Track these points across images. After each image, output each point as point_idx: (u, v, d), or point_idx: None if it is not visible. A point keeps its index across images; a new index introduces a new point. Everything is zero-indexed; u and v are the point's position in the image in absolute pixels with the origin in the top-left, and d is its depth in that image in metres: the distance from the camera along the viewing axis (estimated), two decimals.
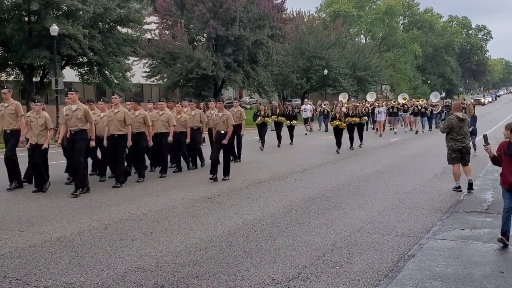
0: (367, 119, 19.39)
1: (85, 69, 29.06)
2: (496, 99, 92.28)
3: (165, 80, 37.05)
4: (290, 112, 21.23)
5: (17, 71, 28.13)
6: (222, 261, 5.68)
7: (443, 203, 8.92)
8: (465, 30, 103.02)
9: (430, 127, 29.42)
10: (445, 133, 10.13)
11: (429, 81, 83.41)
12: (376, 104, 29.08)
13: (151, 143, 11.55)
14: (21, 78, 28.70)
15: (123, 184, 10.65)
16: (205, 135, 15.87)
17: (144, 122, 11.40)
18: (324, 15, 72.77)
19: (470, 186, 9.91)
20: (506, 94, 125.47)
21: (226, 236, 6.73)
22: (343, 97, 33.71)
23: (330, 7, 74.09)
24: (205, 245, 6.32)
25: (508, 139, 6.13)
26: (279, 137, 19.76)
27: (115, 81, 29.03)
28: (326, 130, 27.67)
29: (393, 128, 28.22)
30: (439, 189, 10.33)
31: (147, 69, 36.78)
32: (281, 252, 6.00)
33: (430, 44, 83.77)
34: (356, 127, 19.02)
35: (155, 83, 40.17)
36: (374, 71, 55.99)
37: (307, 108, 29.04)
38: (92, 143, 10.12)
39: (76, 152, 9.58)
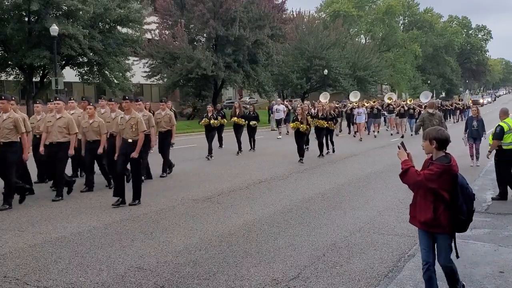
0: (333, 125, 16.78)
1: (85, 69, 29.07)
2: (495, 100, 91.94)
3: (165, 80, 37.05)
4: (251, 113, 18.57)
5: (17, 71, 28.15)
6: (222, 261, 5.68)
7: None
8: (465, 30, 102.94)
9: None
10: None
11: (429, 81, 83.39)
12: (355, 104, 26.33)
13: (26, 156, 8.90)
14: (21, 78, 28.72)
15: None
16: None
17: (15, 128, 8.56)
18: (324, 15, 72.72)
19: None
20: (505, 94, 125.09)
21: (226, 236, 6.73)
22: (324, 97, 30.38)
23: (330, 7, 74.05)
24: (205, 245, 6.32)
25: (429, 154, 4.28)
26: (239, 142, 17.23)
27: (115, 81, 29.04)
28: None
29: (374, 131, 25.05)
30: None
31: (147, 69, 36.79)
32: (281, 252, 6.00)
33: (430, 44, 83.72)
34: (326, 131, 16.43)
35: (155, 83, 40.18)
36: (374, 71, 56.01)
37: (280, 109, 26.05)
38: None
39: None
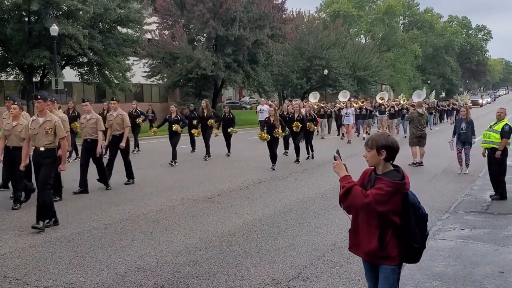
0: (313, 127, 15.22)
1: (85, 69, 29.06)
2: (494, 100, 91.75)
3: (165, 80, 37.08)
4: (227, 114, 16.17)
5: (17, 71, 28.14)
6: (222, 261, 5.68)
7: (443, 203, 8.92)
8: (465, 30, 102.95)
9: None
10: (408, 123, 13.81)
11: (429, 81, 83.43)
12: (342, 104, 24.76)
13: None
14: (21, 78, 28.71)
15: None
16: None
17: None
18: (324, 15, 72.75)
19: (419, 164, 13.62)
20: (505, 94, 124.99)
21: (226, 236, 6.73)
22: (313, 97, 28.54)
23: (330, 7, 74.07)
24: (205, 245, 6.32)
25: (372, 167, 3.46)
26: (206, 145, 15.45)
27: (115, 81, 29.04)
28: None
29: (363, 133, 23.36)
30: (439, 189, 10.34)
31: (147, 69, 36.80)
32: (281, 252, 6.00)
33: (430, 44, 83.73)
34: (304, 134, 15.03)
35: (155, 83, 40.18)
36: (374, 71, 56.01)
37: (264, 109, 23.55)
38: None
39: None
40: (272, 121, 13.17)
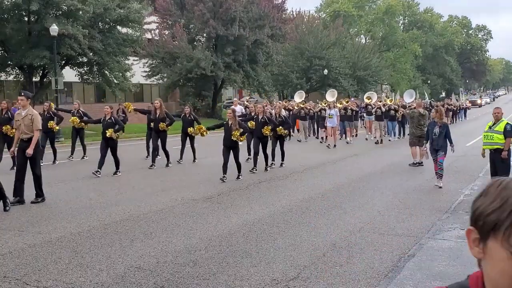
0: (284, 131, 13.42)
1: (85, 69, 29.06)
2: (494, 100, 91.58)
3: (165, 80, 37.11)
4: (187, 115, 14.59)
5: (17, 71, 28.14)
6: (222, 261, 5.68)
7: (443, 203, 8.92)
8: (465, 30, 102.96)
9: (402, 133, 23.06)
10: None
11: (429, 81, 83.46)
12: (323, 105, 22.92)
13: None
14: (21, 78, 28.71)
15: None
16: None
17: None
18: (324, 15, 72.77)
19: (419, 164, 13.72)
20: (505, 94, 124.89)
21: (226, 236, 6.73)
22: (299, 96, 26.28)
23: (330, 7, 74.08)
24: (205, 245, 6.32)
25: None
26: (155, 151, 13.47)
27: (115, 81, 29.05)
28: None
29: (346, 137, 21.66)
30: (439, 189, 10.33)
31: (147, 69, 36.83)
32: (281, 252, 6.00)
33: (430, 44, 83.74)
34: (275, 138, 13.58)
35: (155, 83, 40.22)
36: (374, 71, 56.05)
37: (237, 110, 19.98)
38: None
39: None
40: (230, 124, 11.20)
